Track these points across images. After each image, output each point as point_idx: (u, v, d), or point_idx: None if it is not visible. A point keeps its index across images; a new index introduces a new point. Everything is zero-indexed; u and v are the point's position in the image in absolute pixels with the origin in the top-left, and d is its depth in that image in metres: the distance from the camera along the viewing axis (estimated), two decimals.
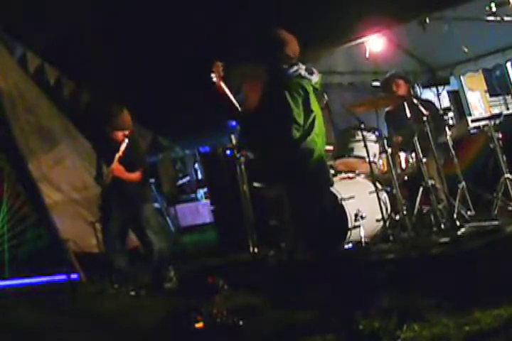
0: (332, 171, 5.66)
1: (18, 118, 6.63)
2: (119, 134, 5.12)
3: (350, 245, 5.13)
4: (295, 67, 3.45)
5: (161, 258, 5.14)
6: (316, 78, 3.50)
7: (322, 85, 3.59)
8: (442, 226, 4.98)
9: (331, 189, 5.13)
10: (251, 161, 5.72)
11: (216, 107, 3.65)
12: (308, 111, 3.40)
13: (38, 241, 6.47)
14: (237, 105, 3.53)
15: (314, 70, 3.52)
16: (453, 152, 5.40)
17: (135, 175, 5.14)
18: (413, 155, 5.38)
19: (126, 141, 5.10)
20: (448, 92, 9.82)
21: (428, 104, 5.64)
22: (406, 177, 5.49)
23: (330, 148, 5.65)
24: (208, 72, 3.51)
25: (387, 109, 5.90)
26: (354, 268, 3.72)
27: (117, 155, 5.06)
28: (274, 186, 3.70)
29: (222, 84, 3.52)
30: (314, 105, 3.45)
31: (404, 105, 5.09)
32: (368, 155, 5.08)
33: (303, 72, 3.44)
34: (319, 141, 3.47)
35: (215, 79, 3.51)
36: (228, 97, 3.53)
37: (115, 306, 4.75)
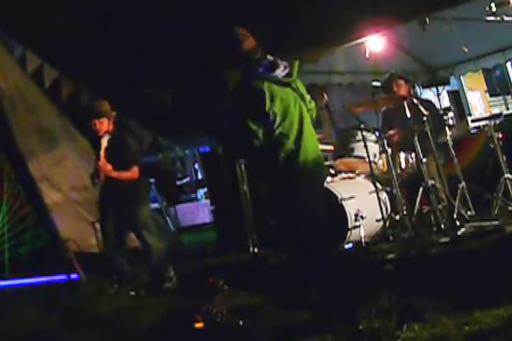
0: (332, 171, 5.67)
1: (18, 118, 6.62)
2: (99, 124, 5.02)
3: (350, 245, 5.13)
4: (257, 68, 3.31)
5: (160, 259, 5.11)
6: (281, 73, 3.32)
7: (295, 75, 3.40)
8: (442, 226, 4.98)
9: (331, 189, 5.15)
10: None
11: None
12: (270, 111, 3.23)
13: (38, 241, 6.47)
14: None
15: (279, 63, 3.34)
16: (453, 152, 5.40)
17: (127, 174, 5.00)
18: (413, 155, 5.39)
19: (107, 136, 4.99)
20: (448, 92, 9.83)
21: (428, 104, 5.64)
22: (406, 177, 5.49)
23: (330, 148, 5.66)
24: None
25: (385, 107, 5.89)
26: (354, 268, 3.71)
27: (102, 151, 4.96)
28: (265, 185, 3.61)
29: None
30: (280, 103, 3.26)
31: (403, 105, 5.10)
32: (368, 156, 5.09)
33: (261, 71, 3.30)
34: (292, 132, 3.30)
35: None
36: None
37: (115, 306, 4.75)
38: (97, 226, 6.04)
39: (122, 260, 5.15)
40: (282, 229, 3.49)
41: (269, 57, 3.36)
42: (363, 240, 5.05)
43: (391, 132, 5.50)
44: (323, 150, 5.63)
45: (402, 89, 5.65)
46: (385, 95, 5.64)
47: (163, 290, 5.01)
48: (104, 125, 5.07)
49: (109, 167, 4.94)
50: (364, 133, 5.16)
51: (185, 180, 13.99)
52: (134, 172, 5.04)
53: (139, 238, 5.17)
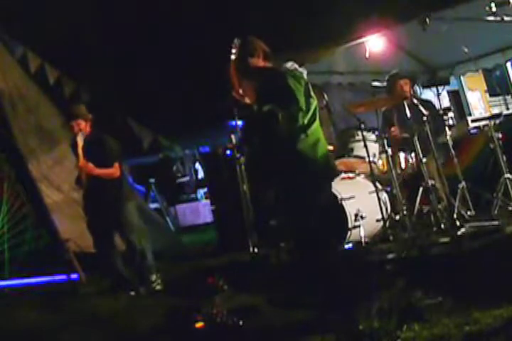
0: None
1: (18, 119, 6.62)
2: (76, 126, 5.06)
3: (350, 245, 5.13)
4: (290, 63, 3.44)
5: (143, 259, 5.05)
6: (305, 73, 3.49)
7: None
8: (442, 226, 4.98)
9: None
10: (250, 160, 5.72)
11: (217, 108, 3.62)
12: (308, 99, 3.35)
13: (38, 241, 6.47)
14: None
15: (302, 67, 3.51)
16: (453, 152, 5.39)
17: (110, 170, 5.03)
18: (413, 155, 5.39)
19: (82, 134, 5.02)
20: (448, 92, 9.83)
21: (428, 104, 5.64)
22: (406, 177, 5.49)
23: (330, 148, 5.65)
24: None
25: (385, 107, 5.89)
26: (354, 268, 3.71)
27: (79, 150, 4.97)
28: (275, 180, 3.60)
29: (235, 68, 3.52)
30: (304, 96, 3.36)
31: (404, 105, 5.09)
32: (368, 155, 5.09)
33: (296, 66, 3.44)
34: (321, 130, 3.45)
35: (232, 57, 3.52)
36: (235, 84, 3.53)
37: (115, 306, 4.75)
38: None
39: (115, 261, 5.11)
40: (291, 227, 3.50)
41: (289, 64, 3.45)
42: (363, 240, 5.05)
43: (392, 129, 5.49)
44: None
45: (407, 89, 5.65)
46: (387, 94, 5.64)
47: (148, 292, 4.99)
48: (82, 126, 5.11)
49: (90, 165, 4.97)
50: (364, 133, 5.16)
51: (184, 179, 14.00)
52: (116, 168, 5.07)
53: (123, 238, 5.12)
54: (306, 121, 3.31)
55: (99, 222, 5.06)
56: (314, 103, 3.41)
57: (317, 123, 3.41)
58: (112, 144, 5.17)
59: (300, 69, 3.45)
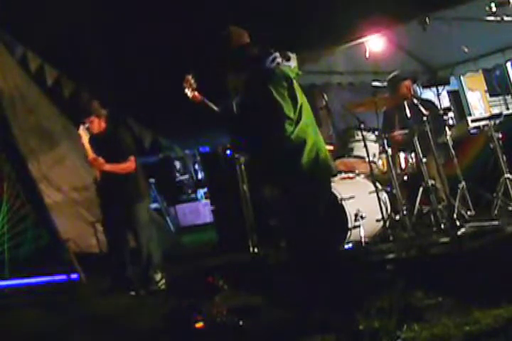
0: None
1: (18, 119, 6.63)
2: (89, 123, 4.96)
3: (350, 245, 5.13)
4: (271, 57, 3.30)
5: (149, 260, 5.05)
6: (294, 63, 3.37)
7: (299, 71, 3.44)
8: (442, 226, 4.98)
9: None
10: (247, 162, 5.73)
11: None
12: (294, 101, 3.27)
13: (38, 241, 6.48)
14: (217, 110, 3.48)
15: (290, 55, 3.38)
16: (453, 152, 5.39)
17: (124, 165, 4.93)
18: (413, 155, 5.39)
19: (83, 127, 4.91)
20: (448, 92, 9.83)
21: (428, 104, 5.64)
22: (406, 177, 5.49)
23: (330, 148, 5.65)
24: (182, 86, 3.50)
25: (385, 107, 5.89)
26: (354, 268, 3.71)
27: (86, 145, 4.87)
28: (271, 185, 3.57)
29: (197, 95, 3.51)
30: (298, 92, 3.32)
31: (404, 105, 5.10)
32: (368, 155, 5.09)
33: (280, 60, 3.30)
34: (310, 130, 3.31)
35: (189, 94, 3.50)
36: (207, 105, 3.50)
37: (115, 306, 4.75)
38: (97, 226, 6.04)
39: (125, 259, 5.11)
40: (289, 227, 3.49)
41: (274, 52, 3.37)
42: (363, 240, 5.05)
43: (396, 134, 5.48)
44: None
45: (409, 90, 5.65)
46: (390, 95, 5.64)
47: (149, 292, 5.00)
48: (95, 124, 5.01)
49: (100, 160, 4.85)
50: (364, 133, 5.16)
51: (184, 177, 14.00)
52: (131, 162, 4.98)
53: (134, 236, 5.10)
54: (292, 129, 3.23)
55: (114, 220, 5.03)
56: (300, 101, 3.31)
57: (304, 121, 3.28)
58: (127, 138, 5.11)
59: (284, 63, 3.31)
